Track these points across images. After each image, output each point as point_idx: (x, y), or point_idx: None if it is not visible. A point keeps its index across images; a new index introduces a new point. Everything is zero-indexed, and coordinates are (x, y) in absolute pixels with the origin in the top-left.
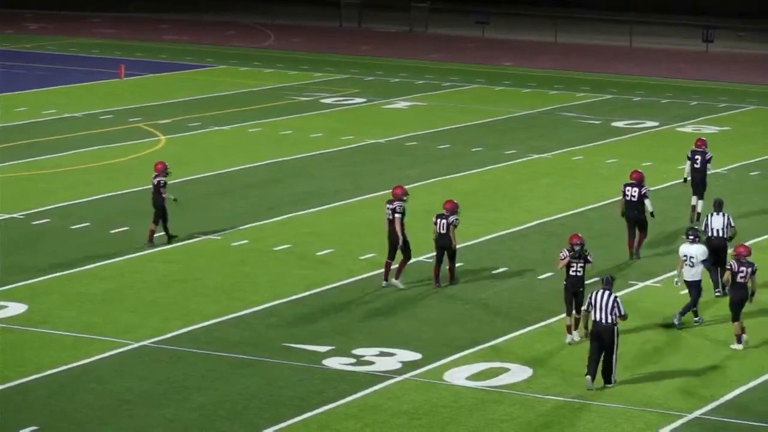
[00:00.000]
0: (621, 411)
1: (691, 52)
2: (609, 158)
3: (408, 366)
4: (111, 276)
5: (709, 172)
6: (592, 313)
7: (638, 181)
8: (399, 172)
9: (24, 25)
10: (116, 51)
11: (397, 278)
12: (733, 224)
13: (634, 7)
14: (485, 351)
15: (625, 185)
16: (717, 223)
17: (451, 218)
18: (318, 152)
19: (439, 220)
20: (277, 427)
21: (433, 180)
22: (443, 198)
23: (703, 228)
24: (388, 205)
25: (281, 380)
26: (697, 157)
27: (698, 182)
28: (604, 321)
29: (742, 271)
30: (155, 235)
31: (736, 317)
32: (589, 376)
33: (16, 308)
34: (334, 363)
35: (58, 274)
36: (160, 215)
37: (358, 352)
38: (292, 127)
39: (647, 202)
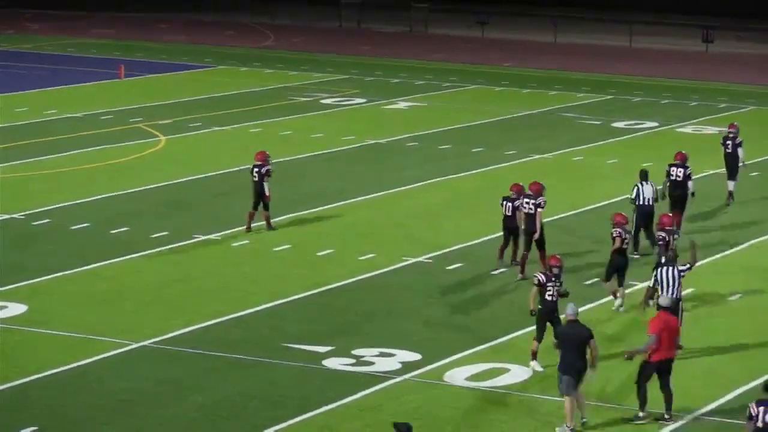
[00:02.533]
0: (621, 411)
1: (691, 52)
2: (609, 158)
3: (408, 366)
4: (111, 276)
5: (741, 158)
6: (659, 289)
7: (683, 161)
8: (400, 173)
9: (24, 24)
10: (115, 51)
11: (522, 272)
12: (656, 194)
13: (634, 7)
14: (485, 351)
15: (670, 165)
16: (648, 192)
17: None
18: (318, 153)
19: (505, 203)
20: (277, 427)
21: (434, 180)
22: (445, 198)
23: (634, 196)
24: (525, 199)
25: (281, 380)
26: (728, 141)
27: (730, 165)
28: (673, 294)
29: (626, 238)
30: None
31: (621, 282)
32: None
33: (16, 308)
34: (334, 363)
35: (58, 274)
36: (265, 202)
37: (358, 352)
38: (293, 128)
39: (690, 183)
